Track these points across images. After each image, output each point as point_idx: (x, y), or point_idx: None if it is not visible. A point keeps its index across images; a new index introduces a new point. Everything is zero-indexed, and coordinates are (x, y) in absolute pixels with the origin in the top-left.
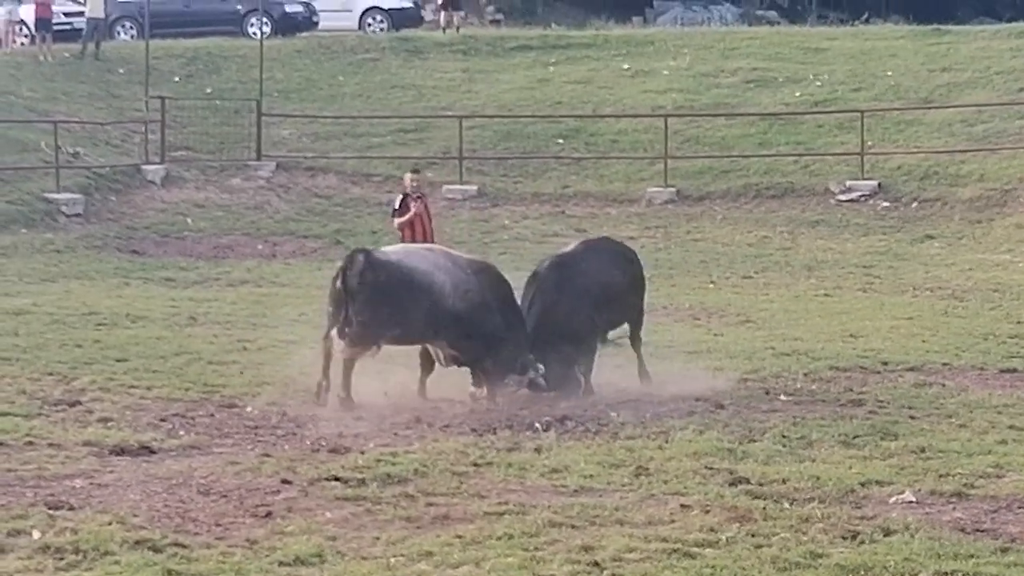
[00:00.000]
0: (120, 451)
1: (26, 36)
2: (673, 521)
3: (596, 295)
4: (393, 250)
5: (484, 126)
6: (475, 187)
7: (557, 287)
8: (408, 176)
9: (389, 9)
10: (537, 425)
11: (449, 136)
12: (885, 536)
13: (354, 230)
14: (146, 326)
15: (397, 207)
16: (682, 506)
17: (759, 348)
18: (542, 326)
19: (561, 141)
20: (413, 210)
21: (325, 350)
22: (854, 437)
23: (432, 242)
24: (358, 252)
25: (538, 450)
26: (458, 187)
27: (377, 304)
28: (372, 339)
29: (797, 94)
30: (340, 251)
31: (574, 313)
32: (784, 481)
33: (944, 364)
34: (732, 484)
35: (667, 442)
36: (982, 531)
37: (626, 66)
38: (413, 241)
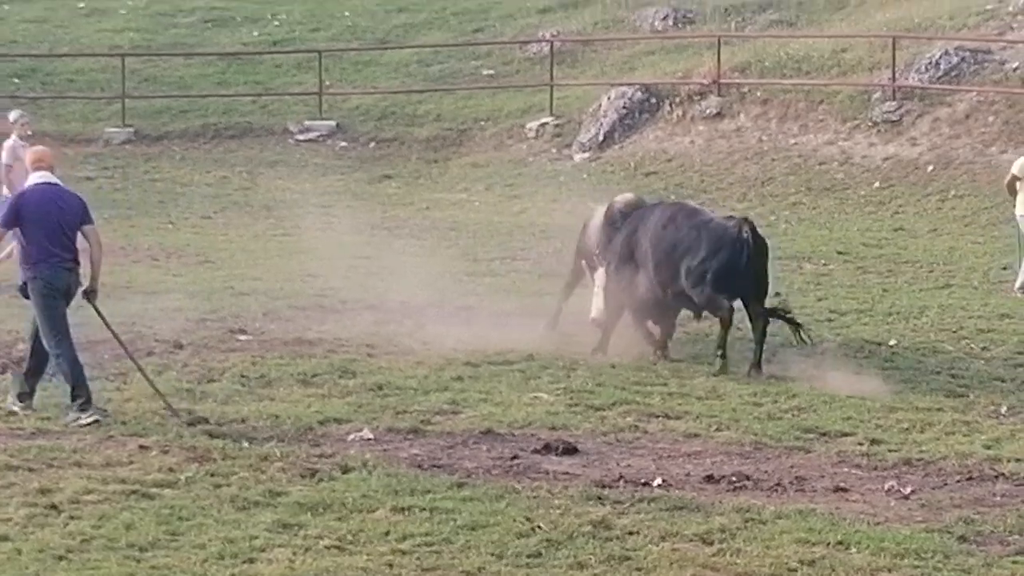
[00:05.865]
0: None
1: None
2: (132, 462)
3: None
4: None
5: None
6: None
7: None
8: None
9: None
10: None
11: None
12: (343, 473)
13: None
14: None
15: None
16: (141, 447)
17: (218, 288)
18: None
19: (17, 80)
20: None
21: None
22: (313, 376)
23: None
24: None
25: None
26: None
27: None
28: None
29: (255, 34)
30: None
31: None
32: (243, 420)
33: (402, 302)
34: (191, 424)
35: (126, 383)
36: (439, 467)
37: (81, 4)
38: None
